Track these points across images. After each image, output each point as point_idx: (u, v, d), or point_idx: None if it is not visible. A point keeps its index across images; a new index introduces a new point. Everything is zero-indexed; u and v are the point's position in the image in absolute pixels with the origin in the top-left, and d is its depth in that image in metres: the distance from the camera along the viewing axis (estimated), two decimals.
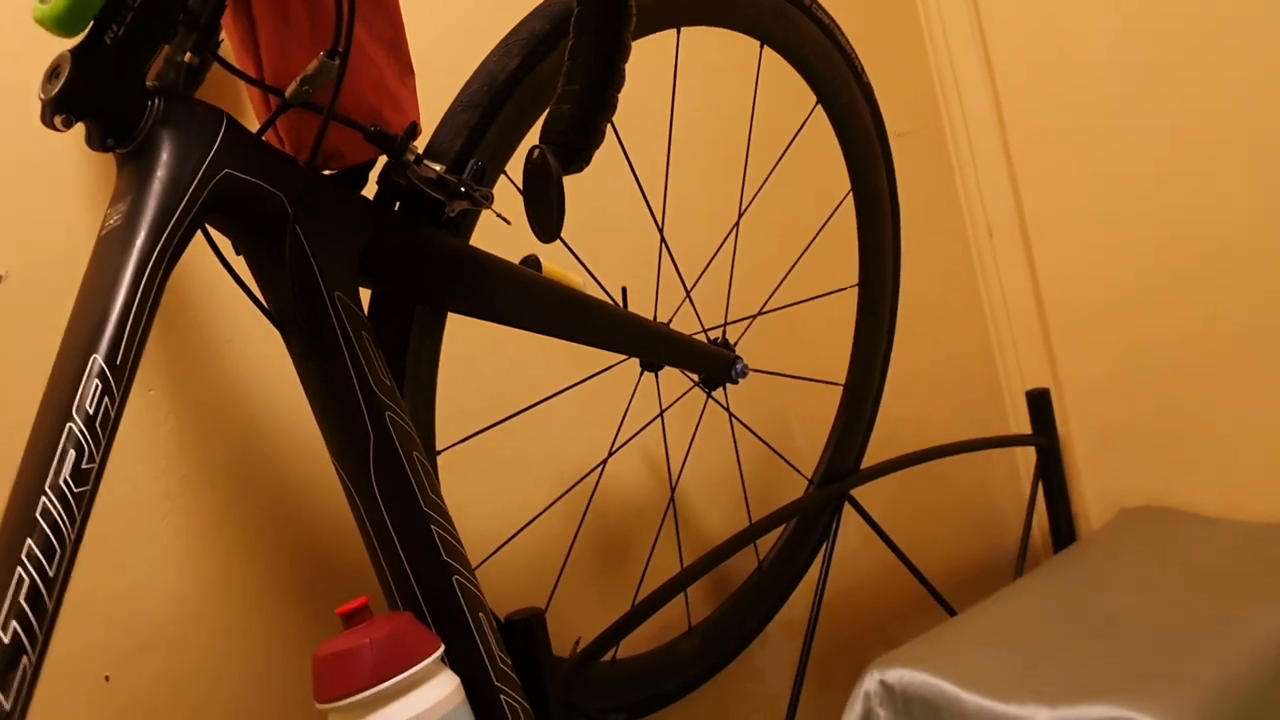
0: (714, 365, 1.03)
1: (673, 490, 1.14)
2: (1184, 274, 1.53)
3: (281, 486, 0.91)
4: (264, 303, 0.72)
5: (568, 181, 0.65)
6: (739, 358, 1.04)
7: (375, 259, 0.76)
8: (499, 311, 0.85)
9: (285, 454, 0.91)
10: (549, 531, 1.05)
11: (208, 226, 0.71)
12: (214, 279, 0.85)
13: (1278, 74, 1.39)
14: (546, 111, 0.63)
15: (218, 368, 0.90)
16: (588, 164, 0.63)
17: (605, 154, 0.69)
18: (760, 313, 1.17)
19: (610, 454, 1.05)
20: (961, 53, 1.66)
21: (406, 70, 0.78)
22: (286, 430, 0.91)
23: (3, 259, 0.81)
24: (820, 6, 1.07)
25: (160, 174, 0.63)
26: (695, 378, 1.08)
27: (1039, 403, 1.61)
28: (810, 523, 1.26)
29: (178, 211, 0.62)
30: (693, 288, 1.10)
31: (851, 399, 1.27)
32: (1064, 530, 1.62)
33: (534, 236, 0.63)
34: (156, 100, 0.64)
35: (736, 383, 1.04)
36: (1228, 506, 1.55)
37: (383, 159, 0.78)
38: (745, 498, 1.20)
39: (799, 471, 1.26)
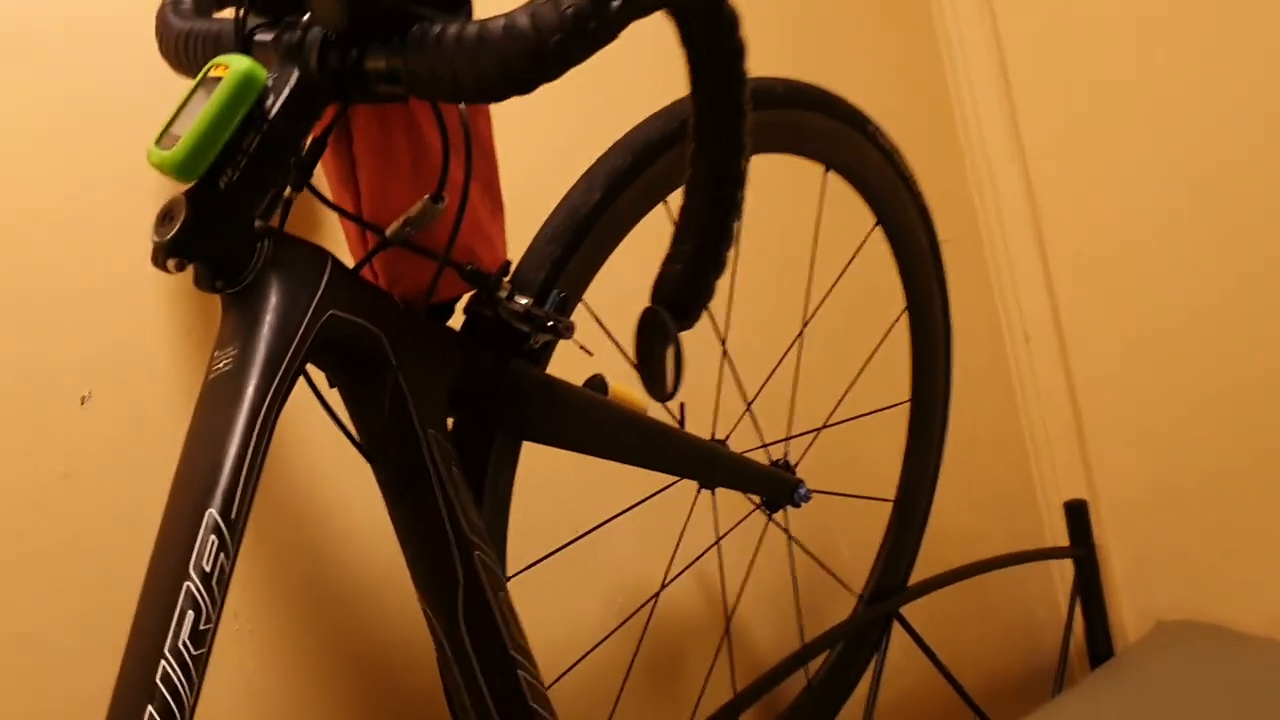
0: (775, 488, 1.03)
1: (728, 622, 1.13)
2: (1225, 387, 1.53)
3: (351, 613, 0.90)
4: (356, 437, 0.72)
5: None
6: (801, 480, 1.04)
7: (461, 391, 0.76)
8: (574, 440, 0.85)
9: (355, 579, 0.91)
10: (603, 655, 1.03)
11: None
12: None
13: None
14: (659, 271, 0.63)
15: (289, 488, 0.90)
16: (696, 321, 0.63)
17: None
18: (825, 426, 1.17)
19: (664, 585, 1.04)
20: (1000, 163, 1.68)
21: (497, 207, 0.79)
22: (356, 555, 0.91)
23: (87, 379, 0.81)
24: (882, 133, 1.09)
25: (269, 318, 0.63)
26: (756, 500, 1.08)
27: (1076, 514, 1.61)
28: (858, 639, 1.24)
29: (288, 357, 0.62)
30: (752, 401, 1.10)
31: (902, 514, 1.27)
32: (1101, 644, 1.60)
33: (649, 393, 0.63)
34: (265, 242, 0.64)
35: (799, 506, 1.04)
36: (1273, 626, 1.53)
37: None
38: (800, 623, 1.19)
39: (849, 589, 1.25)
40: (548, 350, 0.83)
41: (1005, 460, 1.70)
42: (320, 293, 0.65)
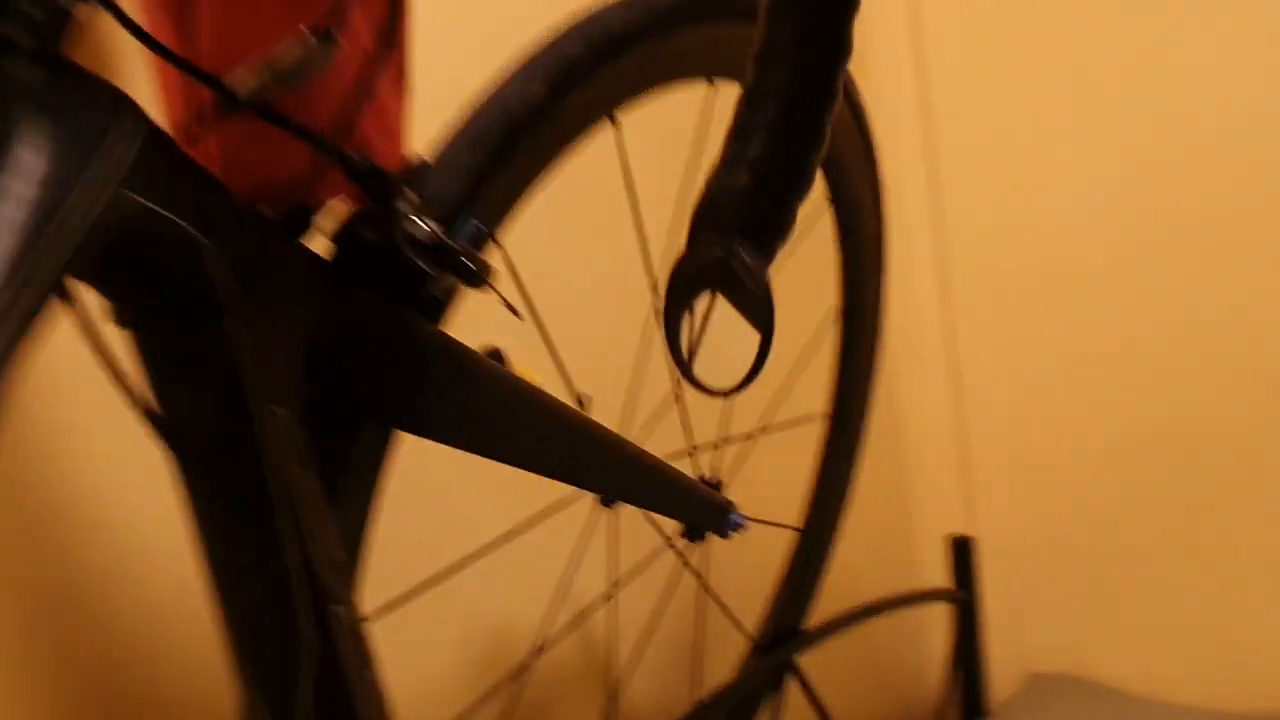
0: (703, 511, 0.80)
1: (615, 693, 0.89)
2: (1121, 433, 1.41)
3: (122, 674, 0.62)
4: (151, 405, 0.45)
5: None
6: (731, 503, 0.82)
7: (323, 352, 0.50)
8: (472, 433, 0.60)
9: (131, 622, 0.62)
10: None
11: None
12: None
13: (1218, 262, 1.32)
14: (706, 178, 0.39)
15: (26, 472, 0.61)
16: (773, 258, 0.40)
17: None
18: (763, 430, 0.95)
19: (539, 652, 0.80)
20: (908, 175, 1.51)
21: (403, 83, 0.53)
22: (132, 586, 0.63)
23: None
24: (853, 85, 0.88)
25: (17, 190, 0.36)
26: (668, 530, 0.85)
27: (961, 552, 1.46)
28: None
29: (43, 261, 0.35)
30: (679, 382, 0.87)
31: (807, 546, 1.07)
32: (975, 695, 1.46)
33: (683, 375, 0.39)
34: (23, 66, 0.37)
35: (727, 536, 0.82)
36: (1148, 683, 1.42)
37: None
38: (696, 677, 0.97)
39: (746, 634, 1.04)
40: (448, 302, 0.58)
41: (883, 488, 1.53)
42: (110, 161, 0.38)
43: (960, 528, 1.51)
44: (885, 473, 1.54)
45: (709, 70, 0.72)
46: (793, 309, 1.08)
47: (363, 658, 0.46)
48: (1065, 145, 1.42)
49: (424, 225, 0.51)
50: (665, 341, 0.38)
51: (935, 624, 1.56)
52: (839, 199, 0.93)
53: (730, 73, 0.76)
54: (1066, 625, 1.50)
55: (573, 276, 0.84)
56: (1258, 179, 1.30)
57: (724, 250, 0.38)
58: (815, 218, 0.93)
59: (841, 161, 0.91)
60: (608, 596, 0.83)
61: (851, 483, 1.09)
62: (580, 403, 0.80)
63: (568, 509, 0.77)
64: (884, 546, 1.52)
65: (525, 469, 0.64)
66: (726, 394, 0.38)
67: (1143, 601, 1.44)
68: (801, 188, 0.40)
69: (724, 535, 0.81)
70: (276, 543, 0.44)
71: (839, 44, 0.38)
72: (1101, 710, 1.39)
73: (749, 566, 1.08)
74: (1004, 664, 1.53)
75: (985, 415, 1.52)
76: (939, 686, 1.57)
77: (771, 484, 1.08)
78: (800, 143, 0.39)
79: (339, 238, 0.52)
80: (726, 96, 0.78)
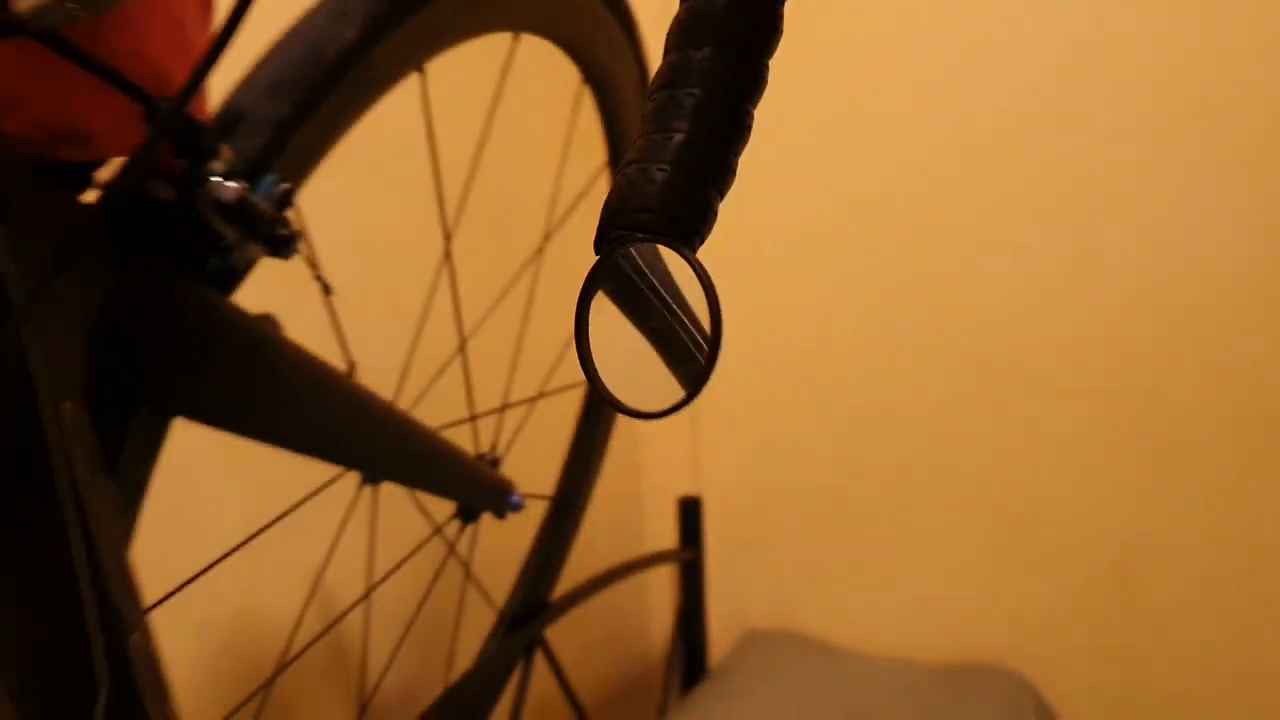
0: (482, 493, 0.76)
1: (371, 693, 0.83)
2: (841, 402, 1.48)
3: None
4: None
5: None
6: (511, 483, 0.78)
7: (103, 331, 0.42)
8: (263, 419, 0.53)
9: None
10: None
11: None
12: None
13: (927, 253, 1.40)
14: (617, 179, 0.34)
15: None
16: (698, 246, 0.36)
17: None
18: (541, 395, 0.91)
19: (279, 671, 0.72)
20: None
21: (209, 8, 0.45)
22: None
23: None
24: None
25: None
26: (438, 515, 0.79)
27: (689, 512, 1.49)
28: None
29: None
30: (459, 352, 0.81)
31: (559, 515, 1.05)
32: (698, 654, 1.50)
33: (611, 404, 0.34)
34: None
35: (504, 517, 0.78)
36: (853, 637, 1.52)
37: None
38: (450, 658, 0.92)
39: (498, 611, 1.00)
40: (244, 273, 0.50)
41: (615, 451, 1.54)
42: None
43: (688, 490, 1.54)
44: (617, 436, 1.54)
45: (516, 23, 0.67)
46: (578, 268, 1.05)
47: (159, 693, 0.39)
48: (794, 120, 1.45)
49: (230, 185, 0.44)
50: (579, 356, 0.33)
51: (660, 585, 1.59)
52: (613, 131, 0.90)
53: (535, 27, 0.71)
54: (780, 582, 1.57)
55: (354, 234, 0.76)
56: (970, 179, 1.38)
57: (639, 245, 0.33)
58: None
59: (617, 89, 0.86)
60: (364, 596, 0.77)
61: (604, 447, 1.08)
62: (350, 371, 0.73)
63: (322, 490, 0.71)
64: (616, 509, 1.53)
65: (299, 452, 0.58)
66: (661, 414, 0.35)
67: (850, 560, 1.52)
68: (723, 184, 0.36)
69: (501, 516, 0.77)
70: (67, 564, 0.36)
71: (769, 26, 0.35)
72: (810, 663, 1.47)
73: (500, 535, 1.04)
74: (723, 621, 1.58)
75: (713, 381, 1.55)
76: (663, 645, 1.61)
77: (530, 454, 1.05)
78: (721, 133, 0.35)
79: (114, 194, 0.44)
80: (528, 48, 0.74)
